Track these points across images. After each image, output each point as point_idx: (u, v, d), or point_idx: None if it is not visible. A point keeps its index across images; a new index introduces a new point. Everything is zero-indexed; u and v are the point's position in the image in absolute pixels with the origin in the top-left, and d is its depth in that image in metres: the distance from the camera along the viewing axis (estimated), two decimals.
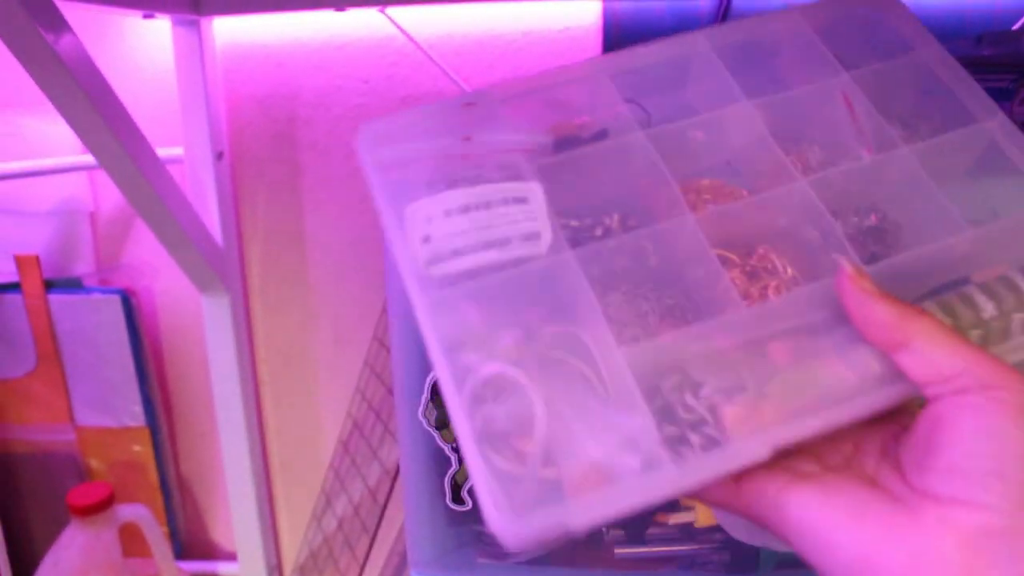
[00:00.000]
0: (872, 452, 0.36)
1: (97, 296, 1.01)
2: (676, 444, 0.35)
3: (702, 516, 0.62)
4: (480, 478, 0.34)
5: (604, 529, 0.60)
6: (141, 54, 0.97)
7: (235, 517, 1.06)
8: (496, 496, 0.34)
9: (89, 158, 0.92)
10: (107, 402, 1.05)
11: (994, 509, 0.29)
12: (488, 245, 0.41)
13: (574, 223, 0.44)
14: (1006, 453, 0.30)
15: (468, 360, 0.38)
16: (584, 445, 0.36)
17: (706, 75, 0.47)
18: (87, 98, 0.71)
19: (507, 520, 0.33)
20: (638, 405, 0.36)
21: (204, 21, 0.91)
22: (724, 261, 0.42)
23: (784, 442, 0.35)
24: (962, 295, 0.40)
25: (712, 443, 0.35)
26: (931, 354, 0.34)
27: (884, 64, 0.46)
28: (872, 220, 0.44)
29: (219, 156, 0.96)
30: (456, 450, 0.57)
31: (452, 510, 0.57)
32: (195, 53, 0.92)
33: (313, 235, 1.02)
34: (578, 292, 0.39)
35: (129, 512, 0.97)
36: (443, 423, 0.57)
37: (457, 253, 0.41)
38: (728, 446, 0.35)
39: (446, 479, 0.57)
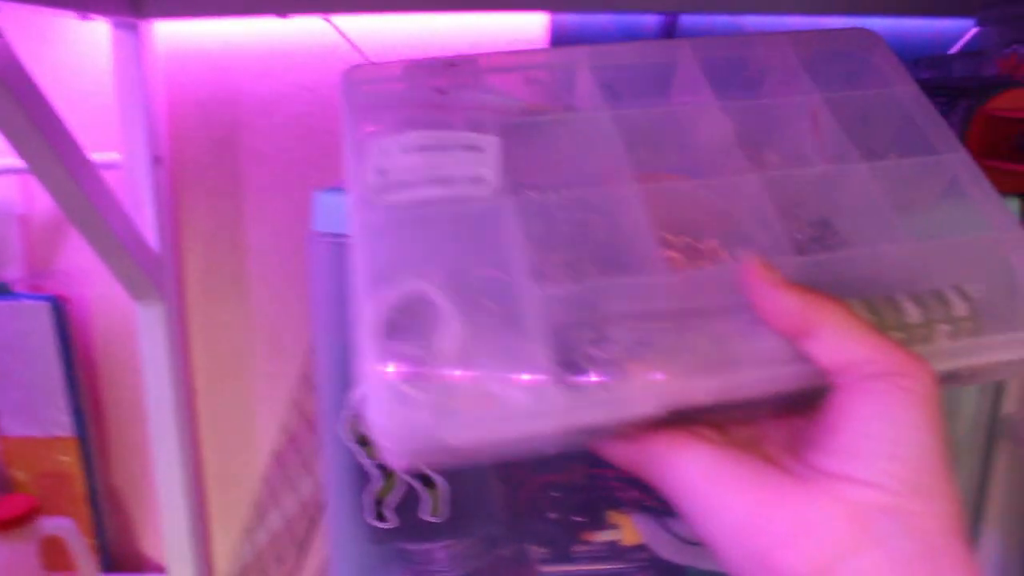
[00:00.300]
0: (777, 440, 0.37)
1: (26, 302, 0.98)
2: (570, 386, 0.35)
3: (628, 534, 0.62)
4: (373, 380, 0.35)
5: (530, 547, 0.60)
6: (78, 56, 0.95)
7: (166, 529, 1.04)
8: (384, 399, 0.34)
9: (19, 160, 0.90)
10: (33, 411, 1.02)
11: (885, 489, 0.30)
12: (435, 181, 0.42)
13: (525, 183, 0.44)
14: (903, 438, 0.31)
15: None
16: (479, 372, 0.36)
17: (683, 78, 0.48)
18: (14, 99, 0.69)
19: (390, 421, 0.33)
20: (542, 346, 0.36)
21: (144, 24, 0.90)
22: (665, 242, 0.41)
23: (679, 403, 0.35)
24: (889, 299, 0.40)
25: (605, 389, 0.35)
26: (838, 341, 0.34)
27: (860, 94, 0.47)
28: (818, 228, 0.45)
29: (157, 161, 0.94)
30: (379, 466, 0.56)
31: (375, 528, 0.56)
32: (134, 57, 0.90)
33: (253, 244, 1.00)
34: (512, 238, 0.40)
35: (52, 525, 0.94)
36: (365, 439, 0.56)
37: (405, 185, 0.42)
38: (620, 395, 0.35)
39: (368, 496, 0.56)
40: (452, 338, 0.37)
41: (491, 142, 0.43)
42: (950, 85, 0.66)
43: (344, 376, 0.57)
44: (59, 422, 1.03)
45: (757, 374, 0.36)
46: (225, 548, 1.11)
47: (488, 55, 0.46)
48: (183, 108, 0.96)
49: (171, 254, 0.98)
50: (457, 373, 0.36)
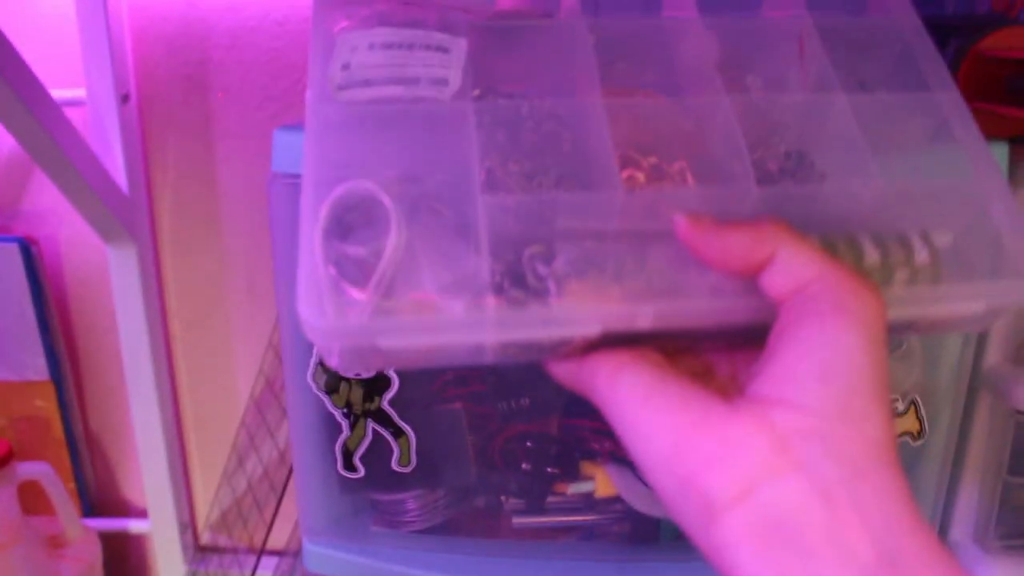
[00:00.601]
0: (729, 373, 0.36)
1: None
2: (509, 299, 0.35)
3: (602, 486, 0.61)
4: (310, 275, 0.34)
5: (503, 499, 0.59)
6: None
7: (145, 473, 1.03)
8: (320, 295, 0.34)
9: None
10: (7, 355, 1.01)
11: (814, 413, 0.30)
12: (396, 81, 0.40)
13: (491, 88, 0.42)
14: (837, 362, 0.30)
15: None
16: (421, 277, 0.35)
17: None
18: None
19: (322, 319, 0.33)
20: (484, 255, 0.35)
21: None
22: (630, 160, 0.40)
23: (618, 327, 0.34)
24: (848, 237, 0.39)
25: (545, 306, 0.34)
26: (787, 267, 0.33)
27: (856, 21, 0.45)
28: (792, 160, 0.42)
29: (124, 99, 0.91)
30: (347, 415, 0.55)
31: (344, 478, 0.55)
32: None
33: (226, 183, 0.97)
34: (469, 144, 0.38)
35: (29, 469, 0.93)
36: (333, 387, 0.55)
37: (367, 83, 0.40)
38: (559, 313, 0.34)
39: (337, 445, 0.55)
40: (395, 239, 0.36)
41: (459, 44, 0.41)
42: (941, 22, 0.63)
43: None
44: (34, 366, 1.01)
45: (701, 304, 0.35)
46: (207, 493, 1.11)
47: None
48: (150, 43, 0.92)
49: (141, 195, 0.96)
50: (394, 274, 0.36)
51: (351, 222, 0.37)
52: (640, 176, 0.40)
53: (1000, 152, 0.54)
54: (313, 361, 0.56)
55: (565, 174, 0.39)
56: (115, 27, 0.88)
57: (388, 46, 0.41)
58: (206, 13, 0.91)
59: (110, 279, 0.95)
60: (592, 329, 0.34)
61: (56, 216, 1.00)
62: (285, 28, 0.91)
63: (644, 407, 0.32)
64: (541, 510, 0.58)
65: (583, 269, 0.36)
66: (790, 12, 0.44)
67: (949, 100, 0.42)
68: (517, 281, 0.35)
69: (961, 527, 0.64)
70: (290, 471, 0.91)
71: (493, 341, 0.35)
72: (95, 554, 1.01)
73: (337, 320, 0.33)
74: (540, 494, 0.59)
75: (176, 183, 0.98)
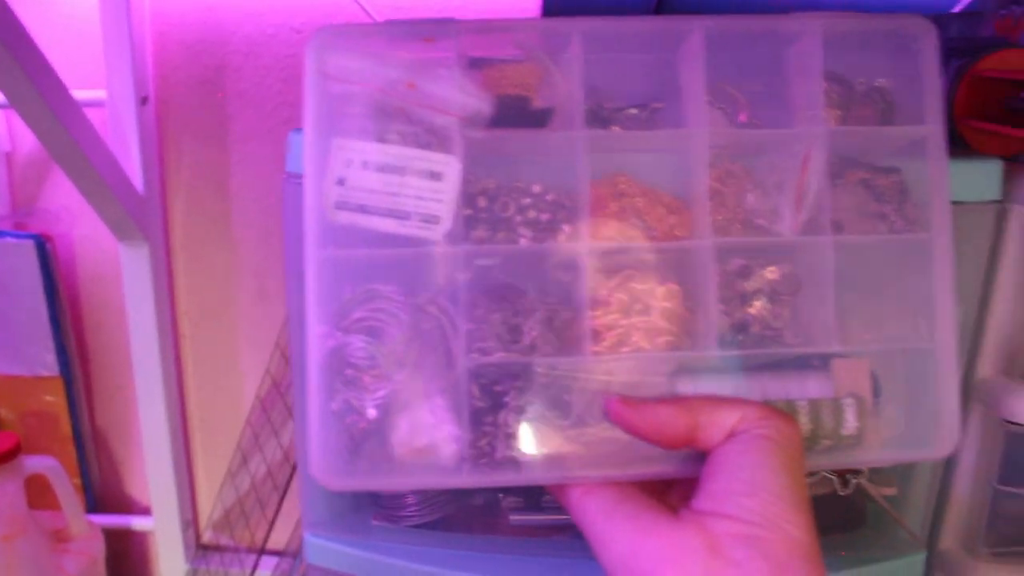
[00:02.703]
0: (680, 492, 0.42)
1: (10, 240, 0.97)
2: (480, 454, 0.42)
3: None
4: (319, 419, 0.42)
5: (500, 495, 0.60)
6: None
7: (150, 471, 1.05)
8: (325, 438, 0.41)
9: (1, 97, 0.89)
10: (19, 350, 1.02)
11: (744, 521, 0.36)
12: (391, 214, 0.43)
13: (482, 203, 0.45)
14: (760, 479, 0.37)
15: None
16: (418, 427, 0.42)
17: (684, 74, 0.46)
18: None
19: (327, 460, 0.41)
20: (464, 412, 0.42)
21: None
22: (599, 302, 0.44)
23: (578, 480, 0.41)
24: (789, 403, 0.44)
25: (511, 461, 0.42)
26: (717, 417, 0.39)
27: (873, 131, 0.48)
28: (755, 307, 0.46)
29: (143, 101, 0.93)
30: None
31: None
32: None
33: (239, 186, 0.99)
34: (454, 293, 0.43)
35: (36, 463, 0.94)
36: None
37: (363, 210, 0.43)
38: (522, 467, 0.42)
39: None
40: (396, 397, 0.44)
41: (452, 166, 0.43)
42: (945, 44, 0.65)
43: None
44: (45, 361, 1.03)
45: (648, 468, 0.42)
46: (210, 491, 1.12)
47: (467, 21, 0.45)
48: (170, 48, 0.95)
49: (156, 195, 0.97)
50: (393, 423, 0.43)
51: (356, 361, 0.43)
52: (614, 310, 0.44)
53: (994, 169, 0.55)
54: None
55: (545, 320, 0.44)
56: (137, 31, 0.90)
57: (381, 168, 0.43)
58: (225, 19, 0.93)
59: (122, 277, 0.96)
60: (555, 480, 0.42)
61: (70, 214, 1.02)
62: (302, 35, 0.93)
63: (607, 520, 0.39)
64: (538, 507, 0.59)
65: (550, 418, 0.42)
66: (809, 108, 0.46)
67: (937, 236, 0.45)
68: (489, 425, 0.42)
69: (951, 535, 0.64)
70: (293, 470, 0.92)
71: (472, 485, 0.42)
72: (98, 550, 1.02)
73: (346, 466, 0.42)
74: (537, 492, 0.60)
75: (190, 184, 1.00)
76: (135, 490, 1.14)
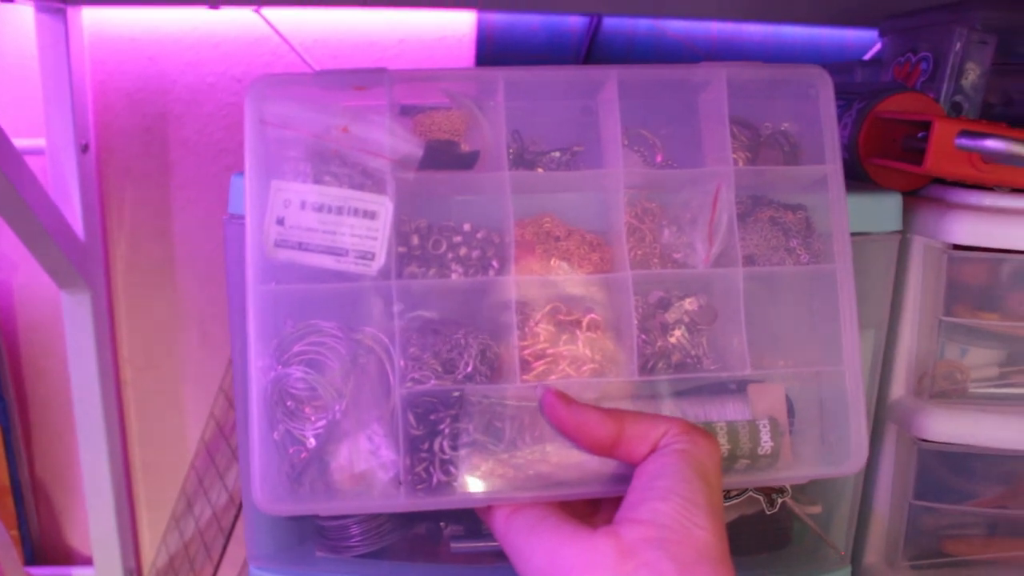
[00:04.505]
0: (609, 508, 0.44)
1: None
2: (417, 480, 0.45)
3: None
4: (260, 448, 0.44)
5: (442, 524, 0.62)
6: (1, 39, 0.94)
7: (92, 520, 1.03)
8: (266, 467, 0.44)
9: None
10: None
11: (655, 526, 0.38)
12: (328, 251, 0.46)
13: (415, 241, 0.47)
14: (672, 487, 0.39)
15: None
16: (357, 454, 0.44)
17: (603, 119, 0.50)
18: None
19: (268, 490, 0.44)
20: (400, 439, 0.44)
21: (71, 9, 0.89)
22: (527, 334, 0.47)
23: (506, 502, 0.44)
24: (708, 424, 0.47)
25: (446, 485, 0.44)
26: (636, 434, 0.42)
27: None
28: (675, 337, 0.49)
29: (84, 149, 0.94)
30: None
31: None
32: (60, 42, 0.89)
33: (180, 233, 1.00)
34: (388, 326, 0.46)
35: None
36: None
37: (302, 247, 0.46)
38: (457, 490, 0.45)
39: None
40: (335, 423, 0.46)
41: (385, 206, 0.46)
42: (849, 89, 0.70)
43: None
44: None
45: (575, 489, 0.45)
46: (153, 538, 1.10)
47: (399, 71, 0.48)
48: (110, 95, 0.96)
49: (97, 242, 0.98)
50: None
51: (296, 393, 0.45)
52: (544, 329, 0.47)
53: (893, 202, 0.60)
54: None
55: (479, 351, 0.47)
56: (77, 79, 0.91)
57: (319, 208, 0.46)
58: (166, 69, 0.95)
59: (61, 325, 0.96)
60: (484, 503, 0.45)
61: (10, 263, 1.01)
62: (243, 84, 0.95)
63: (530, 536, 0.42)
64: (480, 535, 0.61)
65: (483, 443, 0.45)
66: (718, 148, 0.49)
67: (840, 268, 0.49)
68: (426, 451, 0.45)
69: (874, 551, 0.68)
70: (238, 513, 0.92)
71: (409, 508, 0.45)
72: None
73: (287, 494, 0.44)
74: (479, 520, 0.61)
75: (132, 231, 1.01)
76: (76, 540, 1.12)
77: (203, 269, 1.02)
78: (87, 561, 1.08)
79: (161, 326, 1.04)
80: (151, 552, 1.10)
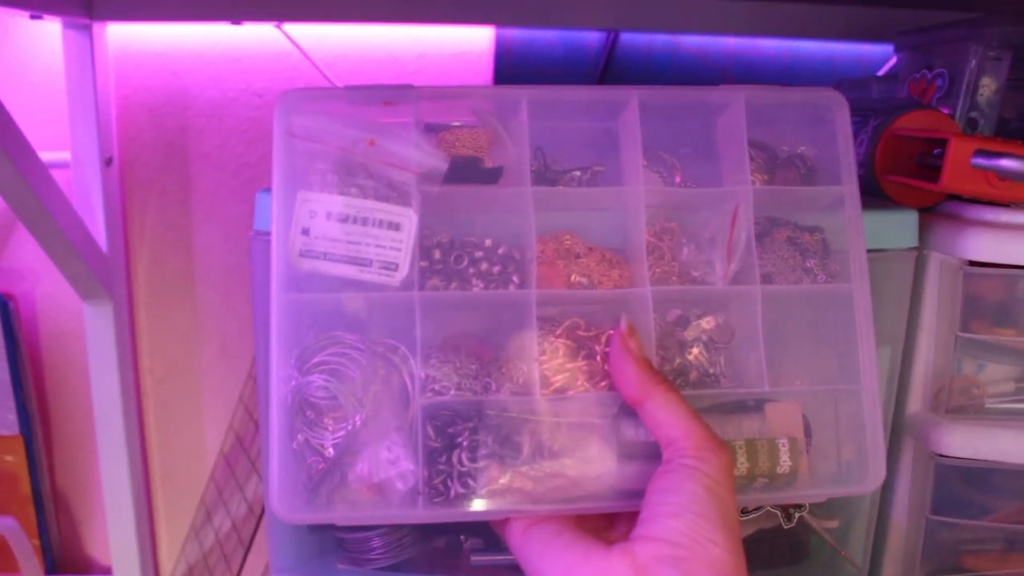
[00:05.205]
0: (626, 523, 0.45)
1: None
2: (435, 492, 0.45)
3: None
4: (279, 456, 0.45)
5: (462, 537, 0.63)
6: (28, 55, 0.95)
7: (111, 530, 1.04)
8: (286, 476, 0.44)
9: None
10: None
11: (669, 543, 0.39)
12: (352, 261, 0.47)
13: (437, 255, 0.48)
14: (685, 504, 0.40)
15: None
16: (376, 464, 0.45)
17: (623, 139, 0.50)
18: None
19: (286, 498, 0.44)
20: (419, 450, 0.45)
21: (97, 26, 0.91)
22: (546, 337, 0.47)
23: (522, 515, 0.44)
24: (729, 443, 0.47)
25: (464, 497, 0.45)
26: (659, 416, 0.43)
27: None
28: (693, 354, 0.50)
29: (108, 162, 0.95)
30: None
31: None
32: (86, 57, 0.91)
33: (201, 246, 1.02)
34: (412, 337, 0.46)
35: None
36: None
37: (327, 257, 0.47)
38: (475, 502, 0.45)
39: None
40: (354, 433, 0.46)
41: (409, 218, 0.47)
42: (864, 106, 0.70)
43: None
44: (5, 421, 1.03)
45: (590, 503, 0.45)
46: (172, 549, 1.11)
47: (425, 88, 0.49)
48: (134, 110, 0.98)
49: (120, 255, 0.99)
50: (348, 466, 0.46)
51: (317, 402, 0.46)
52: (567, 345, 0.48)
53: (910, 219, 0.60)
54: None
55: (495, 362, 0.47)
56: (102, 94, 0.93)
57: (344, 219, 0.47)
58: (189, 84, 0.96)
59: (84, 336, 0.97)
60: (503, 516, 0.45)
61: (33, 273, 1.03)
62: (263, 99, 0.96)
63: (545, 551, 0.42)
64: (499, 548, 0.61)
65: (503, 456, 0.45)
66: (737, 168, 0.50)
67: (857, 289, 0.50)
68: (444, 464, 0.45)
69: (891, 565, 0.68)
70: (258, 524, 0.93)
71: (426, 521, 0.46)
72: None
73: (305, 503, 0.45)
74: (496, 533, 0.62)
75: (153, 243, 1.02)
76: (95, 550, 1.13)
77: (223, 281, 1.03)
78: (106, 571, 1.09)
79: (181, 338, 1.05)
80: (170, 563, 1.11)
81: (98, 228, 0.95)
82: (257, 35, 0.94)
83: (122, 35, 0.94)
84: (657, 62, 0.98)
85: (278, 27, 0.92)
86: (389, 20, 0.91)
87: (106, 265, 0.95)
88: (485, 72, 0.96)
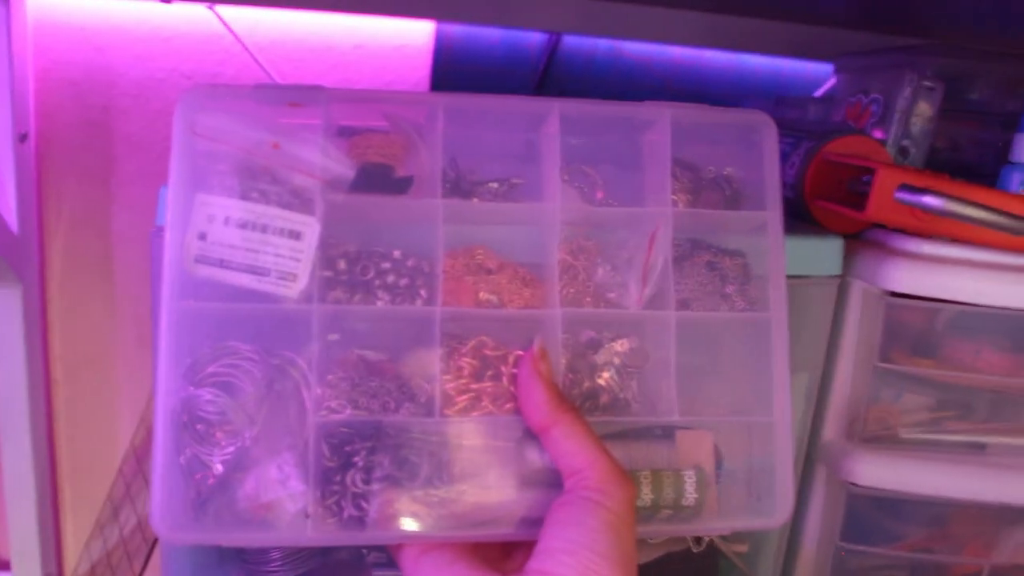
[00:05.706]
0: (520, 554, 0.44)
1: None
2: (327, 513, 0.43)
3: None
4: (163, 472, 0.42)
5: (364, 550, 0.61)
6: None
7: (11, 525, 0.99)
8: (169, 495, 0.42)
9: None
10: None
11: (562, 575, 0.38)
12: (250, 269, 0.44)
13: (342, 265, 0.45)
14: (583, 538, 0.39)
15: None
16: (265, 483, 0.42)
17: (543, 153, 0.49)
18: None
19: (170, 516, 0.42)
20: (311, 470, 0.43)
21: None
22: (450, 355, 0.45)
23: (415, 541, 0.43)
24: (633, 473, 0.46)
25: (356, 520, 0.43)
26: (564, 445, 0.42)
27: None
28: (604, 378, 0.48)
29: (22, 138, 0.91)
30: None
31: None
32: (1, 26, 0.86)
33: (121, 231, 0.98)
34: (307, 353, 0.44)
35: None
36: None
37: (223, 265, 0.44)
38: (366, 526, 0.43)
39: None
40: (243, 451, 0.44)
41: (311, 227, 0.45)
42: (799, 127, 0.70)
43: None
44: None
45: (487, 531, 0.44)
46: (77, 545, 1.07)
47: (336, 89, 0.47)
48: (54, 85, 0.93)
49: (32, 236, 0.94)
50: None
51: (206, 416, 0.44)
52: (471, 364, 0.46)
53: (835, 247, 0.60)
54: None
55: (396, 380, 0.45)
56: (18, 66, 0.88)
57: (243, 225, 0.44)
58: (114, 60, 0.92)
59: None
60: (396, 541, 0.44)
61: None
62: (192, 81, 0.92)
63: None
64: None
65: (400, 479, 0.43)
66: (659, 190, 0.49)
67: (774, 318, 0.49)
68: (338, 485, 0.43)
69: None
70: None
71: (316, 544, 0.45)
72: None
73: (190, 523, 0.43)
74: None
75: (70, 226, 0.97)
76: None
77: (143, 268, 0.99)
78: (4, 566, 1.04)
79: (97, 325, 1.01)
80: (74, 559, 1.07)
81: (9, 207, 0.91)
82: (188, 15, 0.90)
83: (42, 4, 0.90)
84: (599, 68, 0.96)
85: (211, 8, 0.88)
86: (327, 8, 0.88)
87: (16, 246, 0.91)
88: (423, 67, 0.94)
